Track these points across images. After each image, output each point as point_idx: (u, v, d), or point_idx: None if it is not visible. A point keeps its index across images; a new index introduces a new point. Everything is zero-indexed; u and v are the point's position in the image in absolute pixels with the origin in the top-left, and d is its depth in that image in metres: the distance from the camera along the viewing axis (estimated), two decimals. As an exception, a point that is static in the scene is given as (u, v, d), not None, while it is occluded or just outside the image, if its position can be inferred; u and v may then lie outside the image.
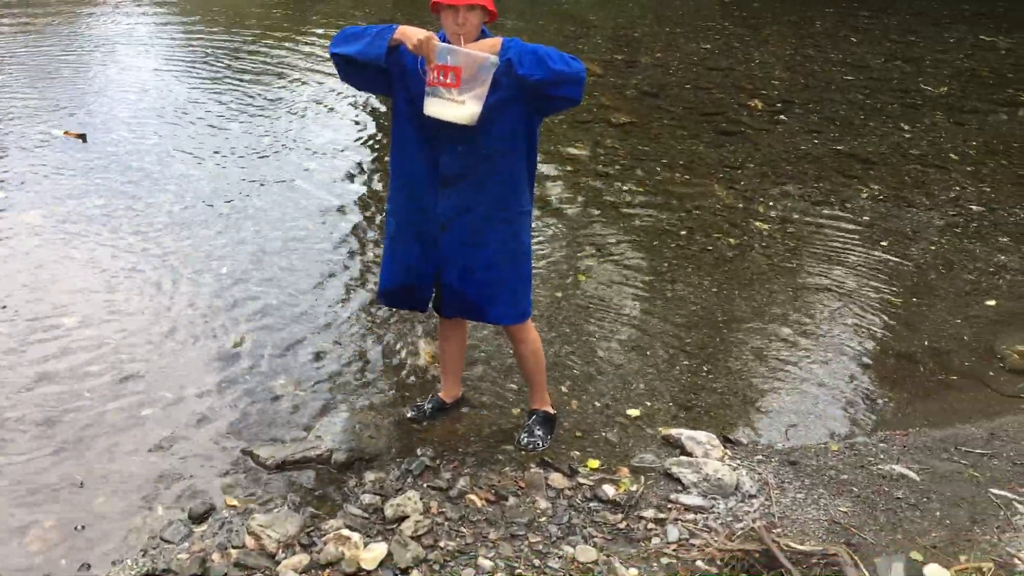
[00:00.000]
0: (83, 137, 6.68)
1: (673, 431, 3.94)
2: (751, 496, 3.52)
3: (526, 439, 3.84)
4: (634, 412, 4.16)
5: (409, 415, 3.99)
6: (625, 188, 6.61)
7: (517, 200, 3.49)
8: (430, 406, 4.02)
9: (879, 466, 3.72)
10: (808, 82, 9.20)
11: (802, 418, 4.24)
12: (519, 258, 3.59)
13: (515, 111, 3.30)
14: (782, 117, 8.18)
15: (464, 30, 3.21)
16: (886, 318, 5.13)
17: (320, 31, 10.18)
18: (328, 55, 3.46)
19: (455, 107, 3.19)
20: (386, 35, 3.18)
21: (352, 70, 3.32)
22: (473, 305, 3.61)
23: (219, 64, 8.79)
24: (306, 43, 9.64)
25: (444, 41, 3.24)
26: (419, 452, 3.72)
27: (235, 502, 3.41)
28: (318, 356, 4.45)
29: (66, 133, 6.72)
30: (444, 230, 3.46)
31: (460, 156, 3.32)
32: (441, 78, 3.17)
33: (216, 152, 6.72)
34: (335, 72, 3.44)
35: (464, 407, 4.08)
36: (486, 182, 3.40)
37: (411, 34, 3.13)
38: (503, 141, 3.35)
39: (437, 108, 3.21)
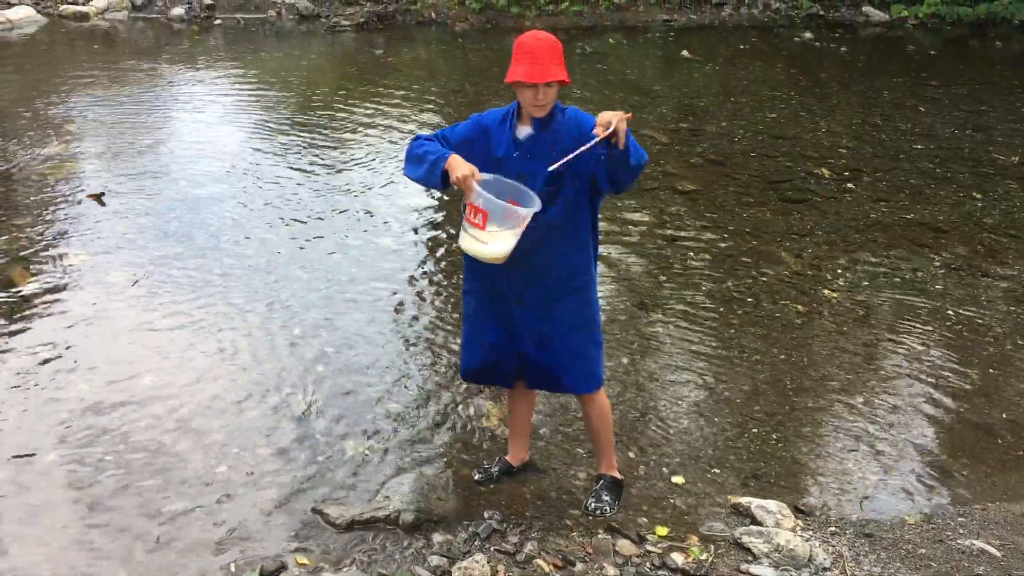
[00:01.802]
0: (100, 198, 6.96)
1: (743, 499, 3.89)
2: (825, 569, 3.44)
3: (593, 504, 3.82)
4: (703, 479, 4.12)
5: (476, 478, 4.01)
6: (691, 254, 6.62)
7: (585, 269, 3.58)
8: (497, 469, 4.04)
9: (958, 541, 3.61)
10: (876, 151, 9.15)
11: (876, 489, 4.15)
12: (590, 326, 3.66)
13: (577, 186, 3.41)
14: (850, 185, 8.13)
15: (541, 103, 3.33)
16: (961, 389, 5.02)
17: (394, 100, 10.48)
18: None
19: (479, 245, 3.32)
20: (439, 164, 3.30)
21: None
22: (550, 376, 3.69)
23: (294, 131, 9.08)
24: (379, 111, 9.92)
25: (516, 113, 3.36)
26: (486, 515, 3.73)
27: (305, 560, 3.45)
28: (387, 417, 4.50)
29: (90, 196, 7.00)
30: (518, 304, 3.56)
31: (527, 232, 3.38)
32: (471, 216, 3.31)
33: (289, 216, 6.91)
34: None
35: (531, 471, 4.08)
36: (553, 255, 3.49)
37: (455, 168, 3.25)
38: (567, 214, 3.45)
39: (465, 243, 3.37)
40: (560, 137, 3.39)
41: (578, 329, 3.61)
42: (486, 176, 3.30)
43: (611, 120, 3.16)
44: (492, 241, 3.29)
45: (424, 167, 3.37)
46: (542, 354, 3.62)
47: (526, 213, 3.25)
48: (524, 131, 3.44)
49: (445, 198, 7.34)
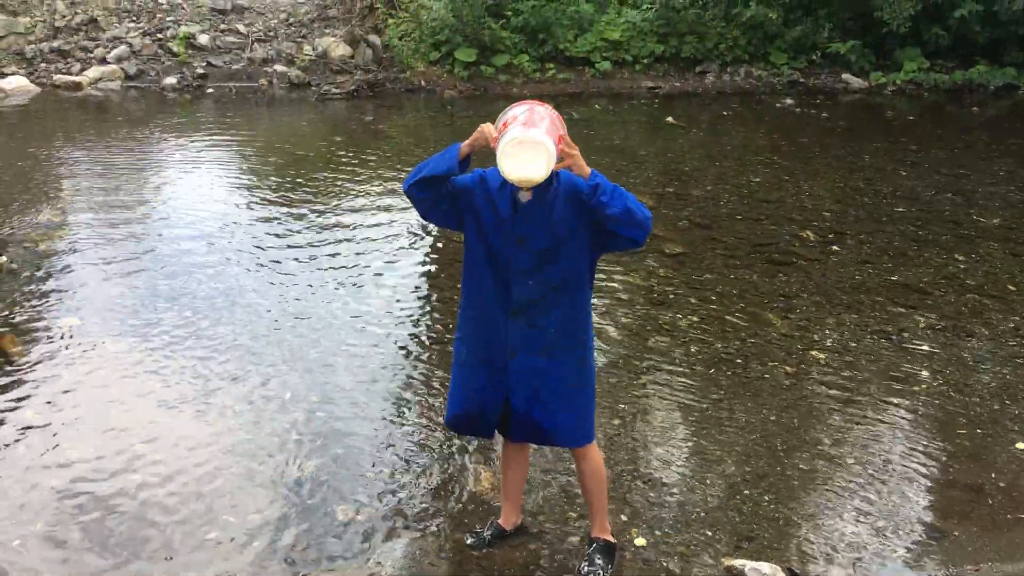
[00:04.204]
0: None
1: (736, 562, 3.88)
2: (819, 631, 3.43)
3: (587, 568, 3.81)
4: (696, 541, 4.11)
5: (469, 542, 4.00)
6: (679, 316, 6.68)
7: (583, 327, 3.64)
8: (489, 533, 4.03)
9: (952, 602, 3.61)
10: (859, 214, 9.30)
11: (869, 551, 4.15)
12: (584, 381, 3.70)
13: (581, 243, 3.49)
14: (834, 248, 8.25)
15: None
16: (951, 449, 5.05)
17: (383, 165, 10.61)
18: (403, 191, 3.67)
19: (523, 143, 3.24)
20: (453, 148, 3.44)
21: (427, 199, 3.54)
22: (540, 428, 3.69)
23: (283, 196, 9.17)
24: (368, 177, 10.04)
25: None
26: (479, 580, 3.71)
27: (297, 628, 3.42)
28: (379, 481, 4.49)
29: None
30: (513, 356, 3.59)
31: (530, 288, 3.51)
32: (504, 131, 3.33)
33: (279, 280, 6.95)
34: (401, 204, 3.63)
35: (523, 534, 4.07)
36: (553, 311, 3.54)
37: (478, 135, 3.39)
38: (570, 272, 3.54)
39: (507, 162, 3.27)
40: (557, 203, 3.49)
41: (572, 383, 3.65)
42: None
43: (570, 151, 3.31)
44: (530, 132, 3.26)
45: (432, 159, 3.49)
46: (534, 407, 3.63)
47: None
48: (525, 195, 3.52)
49: (431, 259, 7.39)
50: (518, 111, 3.42)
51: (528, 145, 3.24)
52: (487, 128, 3.39)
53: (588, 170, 3.38)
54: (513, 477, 4.01)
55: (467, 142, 3.44)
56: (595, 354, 3.76)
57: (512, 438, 3.80)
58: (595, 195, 3.34)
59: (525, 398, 3.62)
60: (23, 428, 4.80)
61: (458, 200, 3.56)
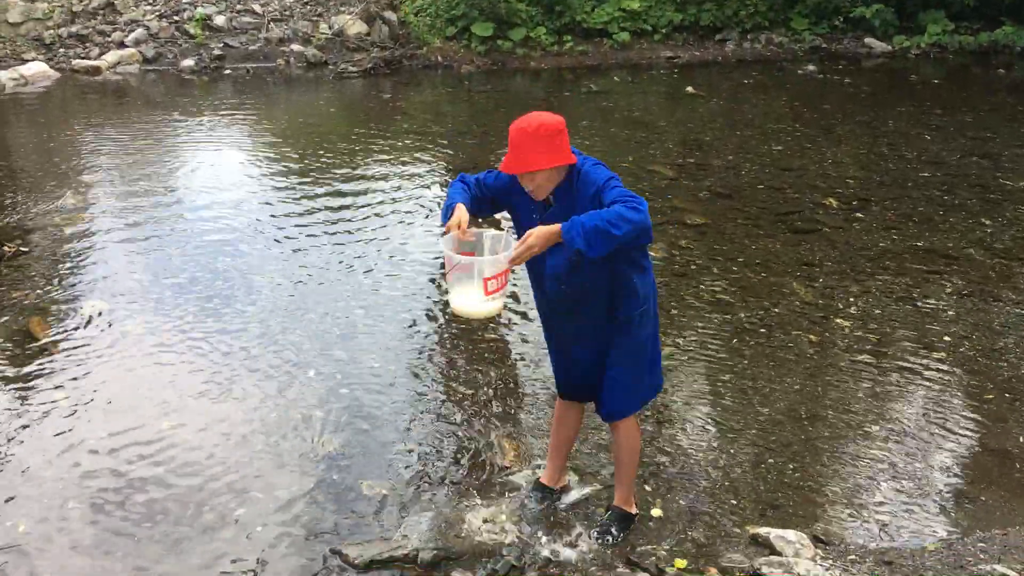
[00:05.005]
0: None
1: (761, 530, 3.88)
2: (846, 597, 3.42)
3: (597, 534, 3.88)
4: (721, 510, 4.11)
5: (514, 505, 4.05)
6: (702, 287, 6.64)
7: (628, 305, 3.58)
8: (536, 493, 4.11)
9: (979, 567, 3.59)
10: (884, 180, 9.19)
11: (895, 517, 4.13)
12: (638, 356, 3.70)
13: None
14: (859, 215, 8.16)
15: (530, 188, 3.43)
16: (978, 415, 5.00)
17: (403, 142, 10.60)
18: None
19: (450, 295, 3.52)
20: (447, 211, 3.51)
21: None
22: (622, 398, 3.75)
23: (304, 176, 9.18)
24: (388, 155, 10.03)
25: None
26: (504, 552, 3.73)
27: (325, 601, 3.45)
28: (404, 456, 4.52)
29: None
30: (575, 343, 3.72)
31: (563, 292, 3.58)
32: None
33: (302, 260, 6.98)
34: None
35: (555, 501, 4.09)
36: (593, 302, 3.58)
37: (451, 221, 3.43)
38: (601, 273, 3.48)
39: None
40: (579, 201, 3.39)
41: (625, 361, 3.67)
42: (473, 232, 3.43)
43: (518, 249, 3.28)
44: (451, 291, 3.48)
45: (443, 210, 3.57)
46: (612, 379, 3.71)
47: (458, 261, 3.36)
48: (551, 198, 3.49)
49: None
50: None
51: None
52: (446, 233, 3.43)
53: (556, 236, 3.22)
54: (564, 433, 4.07)
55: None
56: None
57: (605, 418, 3.90)
58: (584, 256, 3.21)
59: (583, 373, 3.76)
60: (50, 409, 4.86)
61: (498, 200, 3.65)
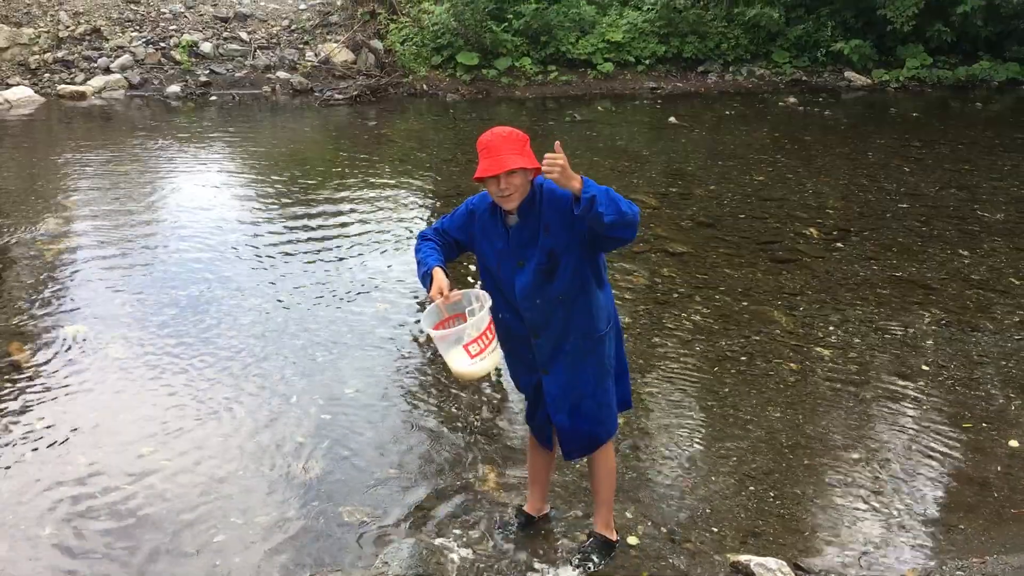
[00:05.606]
0: None
1: (742, 557, 3.89)
2: (825, 625, 3.43)
3: (578, 561, 3.88)
4: (701, 537, 4.11)
5: (496, 531, 4.07)
6: (684, 315, 6.68)
7: (602, 324, 3.64)
8: (517, 521, 4.11)
9: (958, 594, 3.61)
10: (863, 210, 9.29)
11: (875, 545, 4.15)
12: (607, 377, 3.73)
13: (573, 257, 3.50)
14: (839, 245, 8.25)
15: (505, 192, 3.43)
16: (956, 443, 5.04)
17: (388, 169, 10.64)
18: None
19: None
20: (426, 279, 3.55)
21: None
22: (589, 435, 3.75)
23: (287, 202, 9.20)
24: (372, 181, 10.06)
25: (489, 202, 3.57)
26: (485, 578, 3.72)
27: (304, 628, 3.43)
28: (384, 482, 4.50)
29: None
30: (546, 373, 3.67)
31: (538, 308, 3.55)
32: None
33: (284, 285, 6.97)
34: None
35: (537, 527, 4.08)
36: (568, 323, 3.58)
37: (432, 285, 3.49)
38: (571, 284, 3.53)
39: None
40: (544, 213, 3.48)
41: (599, 385, 3.69)
42: (457, 294, 3.49)
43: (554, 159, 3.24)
44: (445, 358, 3.49)
45: (419, 274, 3.62)
46: (577, 418, 3.69)
47: (439, 334, 3.45)
48: (512, 219, 3.54)
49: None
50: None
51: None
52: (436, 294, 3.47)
53: (578, 181, 3.22)
54: (540, 462, 4.06)
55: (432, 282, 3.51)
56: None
57: (566, 456, 3.89)
58: (592, 207, 3.23)
59: (568, 414, 3.70)
60: (30, 433, 4.82)
61: (460, 240, 3.70)
